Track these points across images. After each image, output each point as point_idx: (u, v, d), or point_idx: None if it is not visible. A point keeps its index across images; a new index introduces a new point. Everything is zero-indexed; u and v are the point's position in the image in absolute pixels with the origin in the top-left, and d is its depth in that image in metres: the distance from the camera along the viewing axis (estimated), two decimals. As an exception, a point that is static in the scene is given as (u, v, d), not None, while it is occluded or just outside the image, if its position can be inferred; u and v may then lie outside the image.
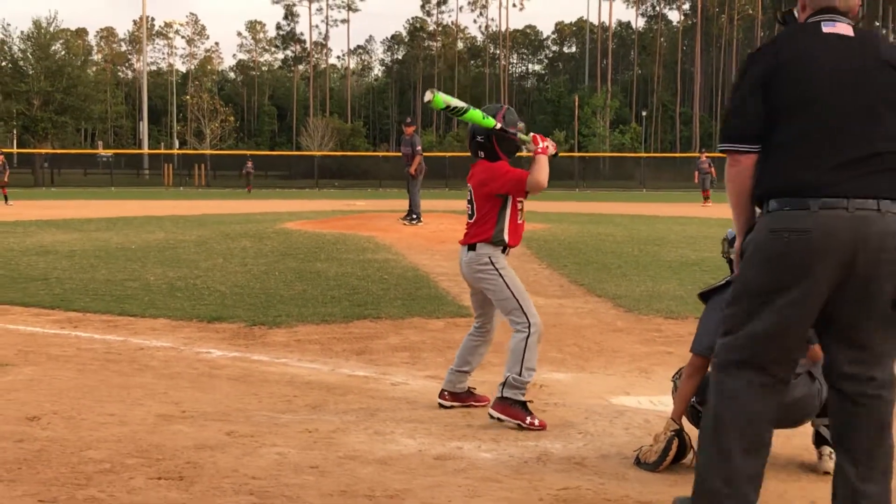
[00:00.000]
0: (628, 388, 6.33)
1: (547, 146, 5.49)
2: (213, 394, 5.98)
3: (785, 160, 3.48)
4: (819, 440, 4.63)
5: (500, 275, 5.48)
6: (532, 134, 5.55)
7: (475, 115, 5.45)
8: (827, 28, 3.53)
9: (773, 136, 3.51)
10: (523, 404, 5.35)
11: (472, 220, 5.61)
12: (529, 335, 5.37)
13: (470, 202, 5.62)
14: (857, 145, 3.43)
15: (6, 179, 32.96)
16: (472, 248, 5.56)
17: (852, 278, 3.41)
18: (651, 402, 5.90)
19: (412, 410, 5.64)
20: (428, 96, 5.45)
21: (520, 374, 5.31)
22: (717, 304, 4.30)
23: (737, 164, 3.60)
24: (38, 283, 11.11)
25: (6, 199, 32.04)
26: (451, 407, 5.69)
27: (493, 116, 5.50)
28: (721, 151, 3.64)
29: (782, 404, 3.72)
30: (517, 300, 5.45)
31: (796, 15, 3.74)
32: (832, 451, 4.01)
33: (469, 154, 5.69)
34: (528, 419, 5.27)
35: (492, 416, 5.35)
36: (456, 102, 5.48)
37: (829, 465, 4.30)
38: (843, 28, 3.53)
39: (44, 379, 6.30)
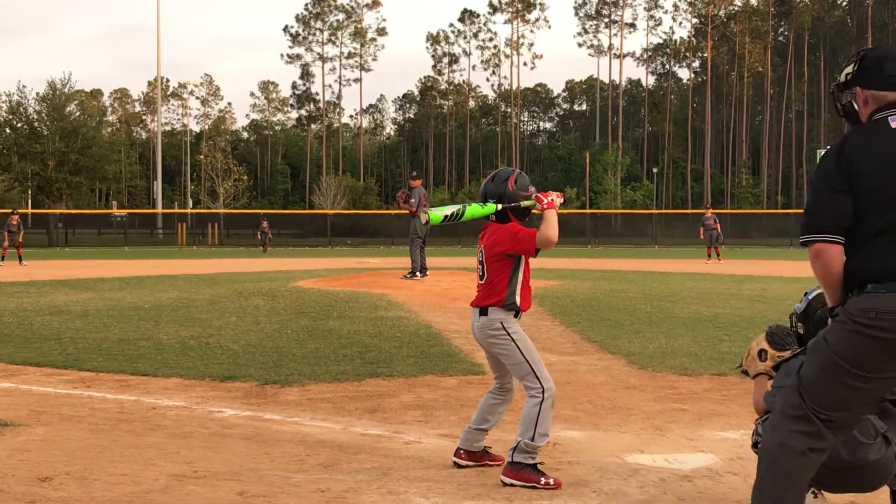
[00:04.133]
0: (643, 446, 6.27)
1: (553, 199, 5.51)
2: (226, 453, 5.96)
3: (879, 249, 3.58)
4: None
5: (513, 340, 5.47)
6: (535, 194, 5.57)
7: (474, 210, 5.56)
8: (895, 122, 3.64)
9: (860, 228, 3.61)
10: (534, 467, 5.31)
11: (482, 282, 5.59)
12: (543, 400, 5.36)
13: (481, 263, 5.63)
14: None
15: (20, 240, 33.14)
16: (483, 312, 5.54)
17: None
18: (666, 460, 5.85)
19: (425, 469, 5.60)
20: (424, 218, 5.60)
21: (532, 440, 5.31)
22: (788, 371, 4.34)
23: (821, 255, 3.68)
24: (51, 342, 11.13)
25: (20, 259, 32.22)
26: (467, 466, 5.63)
27: (505, 181, 5.57)
28: (803, 244, 3.74)
29: (857, 468, 3.78)
30: (530, 365, 5.44)
31: (856, 107, 3.83)
32: None
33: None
34: (543, 480, 5.23)
35: (504, 483, 5.28)
36: (451, 209, 5.59)
37: None
38: None
39: (56, 439, 6.29)
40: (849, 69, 3.84)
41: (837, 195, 3.63)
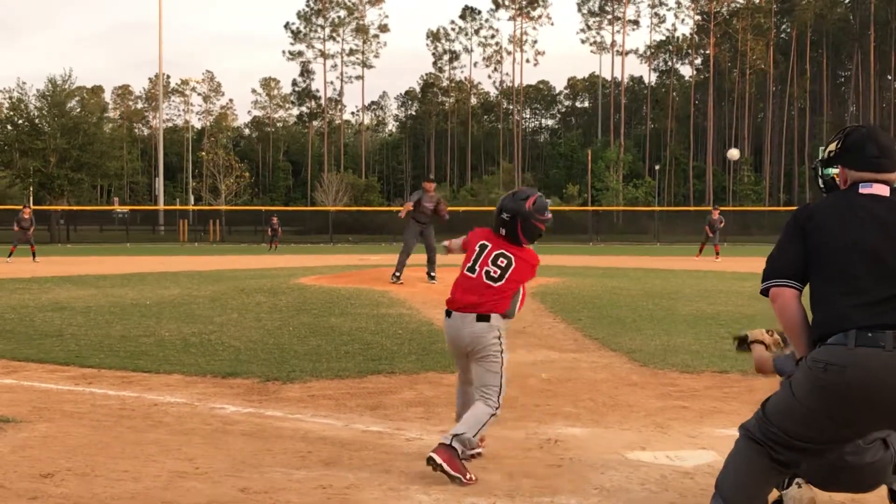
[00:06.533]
0: (644, 443, 6.27)
1: None
2: (227, 450, 5.96)
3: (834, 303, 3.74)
4: (894, 496, 4.59)
5: (503, 351, 5.57)
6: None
7: None
8: (864, 189, 3.88)
9: (818, 283, 3.83)
10: (461, 461, 5.32)
11: (497, 285, 5.58)
12: (494, 414, 5.47)
13: (476, 264, 5.66)
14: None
15: (31, 234, 33.16)
16: (484, 318, 5.53)
17: None
18: (668, 458, 5.85)
19: (427, 466, 5.60)
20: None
21: (474, 436, 5.39)
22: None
23: (776, 298, 3.92)
24: (53, 339, 11.14)
25: (34, 255, 32.33)
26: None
27: (525, 200, 5.62)
28: (762, 292, 3.99)
29: (853, 468, 4.06)
30: (501, 381, 5.53)
31: (837, 181, 4.07)
32: None
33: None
34: (468, 475, 5.22)
35: (434, 462, 5.20)
36: None
37: None
38: (880, 189, 3.86)
39: (58, 436, 6.30)
40: (832, 146, 4.04)
41: (793, 245, 3.91)
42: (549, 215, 5.70)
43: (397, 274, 18.90)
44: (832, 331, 3.66)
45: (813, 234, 3.83)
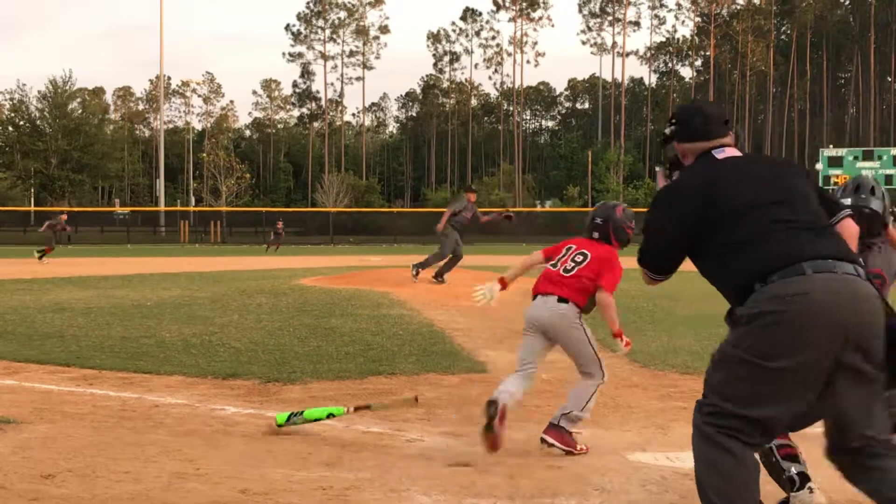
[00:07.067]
0: (645, 445, 6.28)
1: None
2: (228, 451, 5.96)
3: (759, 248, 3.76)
4: None
5: (586, 331, 6.16)
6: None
7: (314, 413, 6.43)
8: (720, 154, 4.07)
9: (721, 239, 3.86)
10: (571, 435, 6.01)
11: (568, 276, 6.11)
12: (601, 383, 6.18)
13: (574, 263, 6.17)
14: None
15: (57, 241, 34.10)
16: (564, 301, 6.06)
17: None
18: (668, 459, 5.86)
19: (428, 468, 5.61)
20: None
21: (581, 411, 6.00)
22: None
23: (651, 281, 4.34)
24: (53, 340, 11.13)
25: (45, 254, 32.68)
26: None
27: (613, 209, 6.39)
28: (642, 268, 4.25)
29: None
30: (597, 355, 6.18)
31: (681, 160, 4.26)
32: None
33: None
34: (579, 446, 5.96)
35: (546, 442, 5.93)
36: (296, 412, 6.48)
37: None
38: (732, 151, 4.10)
39: (58, 436, 6.30)
40: (667, 129, 4.26)
41: (676, 237, 4.09)
42: (634, 223, 6.32)
43: (442, 278, 18.84)
44: (775, 268, 3.64)
45: (708, 207, 3.86)
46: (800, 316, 3.51)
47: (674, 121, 4.26)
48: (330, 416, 6.38)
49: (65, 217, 34.51)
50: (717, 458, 3.71)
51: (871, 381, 3.61)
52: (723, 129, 4.15)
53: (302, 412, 6.41)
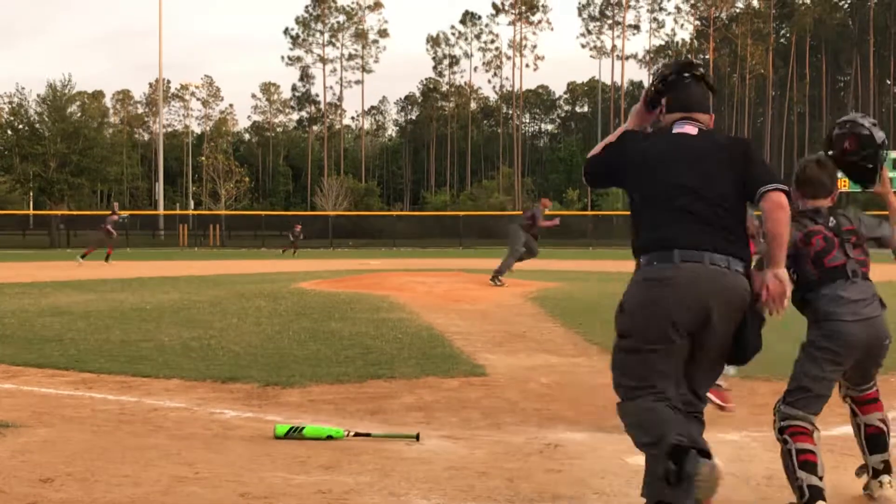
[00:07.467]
0: (644, 448, 6.26)
1: None
2: (227, 455, 5.96)
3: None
4: (876, 474, 4.84)
5: None
6: None
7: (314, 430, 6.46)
8: (677, 129, 4.42)
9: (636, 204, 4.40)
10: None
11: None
12: None
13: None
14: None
15: (114, 239, 34.26)
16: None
17: None
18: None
19: (427, 471, 5.60)
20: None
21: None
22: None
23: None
24: (52, 343, 11.13)
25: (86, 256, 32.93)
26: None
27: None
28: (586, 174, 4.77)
29: None
30: None
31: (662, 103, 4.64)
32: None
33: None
34: (730, 405, 6.78)
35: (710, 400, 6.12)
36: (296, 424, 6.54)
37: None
38: (690, 129, 4.39)
39: (58, 440, 6.30)
40: (660, 85, 4.62)
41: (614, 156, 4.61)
42: None
43: (500, 278, 19.93)
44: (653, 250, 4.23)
45: (641, 166, 4.36)
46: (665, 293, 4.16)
47: (666, 88, 4.60)
48: (329, 437, 6.35)
49: (116, 217, 34.31)
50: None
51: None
52: (702, 105, 4.52)
53: (302, 428, 6.40)
